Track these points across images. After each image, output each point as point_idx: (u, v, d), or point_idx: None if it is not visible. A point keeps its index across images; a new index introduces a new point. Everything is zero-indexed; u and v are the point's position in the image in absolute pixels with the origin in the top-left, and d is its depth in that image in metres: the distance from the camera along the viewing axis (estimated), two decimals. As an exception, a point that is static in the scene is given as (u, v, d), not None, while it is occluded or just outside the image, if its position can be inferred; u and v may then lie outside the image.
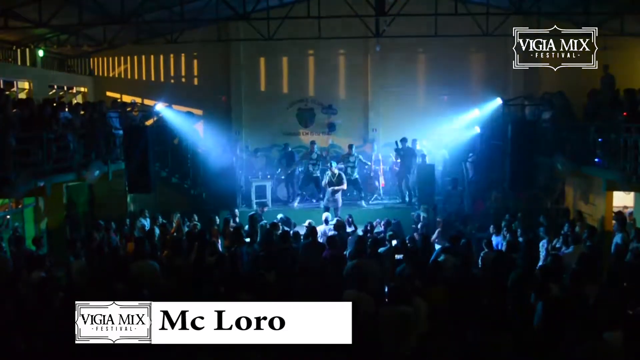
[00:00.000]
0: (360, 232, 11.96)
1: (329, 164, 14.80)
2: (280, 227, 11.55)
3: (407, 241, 10.90)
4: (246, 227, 12.39)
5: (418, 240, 11.24)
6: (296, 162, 16.84)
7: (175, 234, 12.40)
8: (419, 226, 12.91)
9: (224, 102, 19.25)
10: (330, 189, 14.43)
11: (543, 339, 6.34)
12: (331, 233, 11.29)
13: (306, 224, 11.97)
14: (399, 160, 16.15)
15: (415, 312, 6.62)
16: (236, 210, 13.88)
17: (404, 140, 15.72)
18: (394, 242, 10.52)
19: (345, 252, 10.04)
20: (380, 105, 18.99)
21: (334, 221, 12.11)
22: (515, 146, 12.14)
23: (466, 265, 8.46)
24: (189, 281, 8.15)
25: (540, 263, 9.94)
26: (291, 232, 11.61)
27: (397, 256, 9.89)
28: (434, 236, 11.90)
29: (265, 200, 15.98)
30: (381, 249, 9.86)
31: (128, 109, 16.26)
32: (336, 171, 14.56)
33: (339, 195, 14.50)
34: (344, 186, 14.59)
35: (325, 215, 12.86)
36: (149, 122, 16.15)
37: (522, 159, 12.13)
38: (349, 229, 11.92)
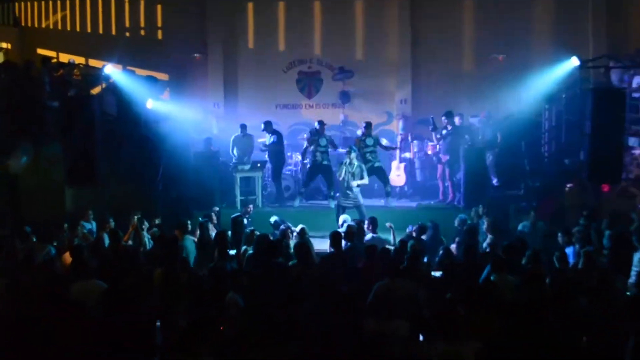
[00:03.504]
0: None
1: (347, 150, 14.78)
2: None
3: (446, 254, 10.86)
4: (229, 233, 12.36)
5: (458, 252, 11.20)
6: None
7: (130, 242, 12.33)
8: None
9: (199, 63, 19.19)
10: (354, 184, 14.47)
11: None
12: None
13: (297, 230, 12.00)
14: (437, 144, 16.03)
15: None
16: (215, 211, 13.84)
17: (448, 115, 15.57)
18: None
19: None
20: (412, 69, 18.89)
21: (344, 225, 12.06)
22: (597, 123, 12.07)
23: (531, 285, 8.39)
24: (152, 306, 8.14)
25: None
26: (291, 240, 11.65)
27: (435, 273, 9.82)
28: (484, 245, 11.83)
29: (254, 197, 15.93)
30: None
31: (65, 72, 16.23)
32: (355, 161, 14.56)
33: (357, 191, 14.56)
34: (365, 180, 14.71)
35: (343, 218, 12.81)
36: (95, 91, 16.07)
37: (606, 141, 12.05)
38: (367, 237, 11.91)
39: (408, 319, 7.62)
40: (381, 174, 16.01)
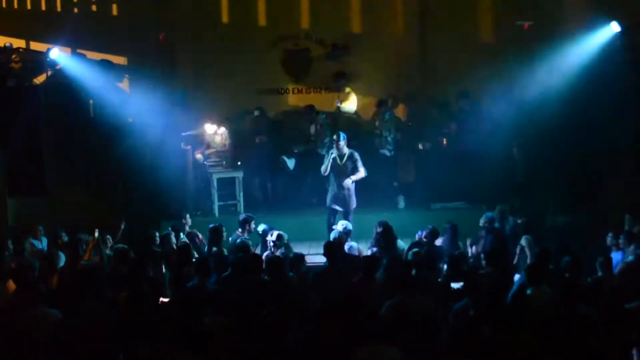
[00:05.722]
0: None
1: (334, 137, 14.44)
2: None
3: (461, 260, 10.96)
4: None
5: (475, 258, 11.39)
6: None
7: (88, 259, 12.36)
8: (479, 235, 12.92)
9: (162, 44, 19.18)
10: (349, 181, 14.18)
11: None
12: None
13: (272, 237, 12.14)
14: (454, 132, 16.07)
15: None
16: (186, 218, 13.87)
17: (463, 96, 15.60)
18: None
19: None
20: (420, 42, 18.88)
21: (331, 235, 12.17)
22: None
23: (569, 299, 8.42)
24: (117, 338, 8.13)
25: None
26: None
27: (455, 285, 9.88)
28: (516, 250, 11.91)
29: (234, 202, 15.94)
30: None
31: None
32: (345, 149, 14.31)
33: (351, 190, 14.36)
34: (361, 173, 14.37)
35: (342, 224, 12.81)
36: (39, 80, 16.06)
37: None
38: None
39: (424, 344, 7.64)
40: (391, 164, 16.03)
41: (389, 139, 15.76)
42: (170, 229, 13.09)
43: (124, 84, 17.93)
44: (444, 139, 17.02)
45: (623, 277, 10.19)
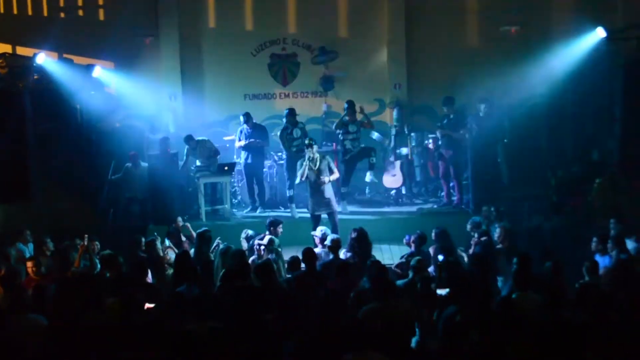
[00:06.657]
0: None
1: (307, 144, 14.44)
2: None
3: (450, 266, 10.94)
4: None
5: (467, 263, 11.32)
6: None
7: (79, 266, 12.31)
8: (471, 241, 12.89)
9: (150, 48, 19.13)
10: (326, 180, 14.13)
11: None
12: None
13: (263, 241, 12.01)
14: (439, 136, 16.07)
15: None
16: (178, 222, 13.83)
17: (448, 101, 15.61)
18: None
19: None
20: (406, 47, 18.90)
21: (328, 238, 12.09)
22: (629, 106, 12.12)
23: (554, 304, 8.42)
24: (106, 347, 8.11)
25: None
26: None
27: (441, 291, 9.86)
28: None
29: (222, 207, 15.90)
30: (400, 282, 9.91)
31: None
32: (317, 154, 14.32)
33: (330, 193, 14.36)
34: (336, 174, 14.53)
35: (321, 230, 12.77)
36: (25, 85, 15.98)
37: (640, 127, 12.14)
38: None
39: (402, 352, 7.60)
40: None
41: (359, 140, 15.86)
42: (155, 234, 13.06)
43: (111, 89, 17.86)
44: (430, 143, 17.03)
45: (606, 282, 10.21)
